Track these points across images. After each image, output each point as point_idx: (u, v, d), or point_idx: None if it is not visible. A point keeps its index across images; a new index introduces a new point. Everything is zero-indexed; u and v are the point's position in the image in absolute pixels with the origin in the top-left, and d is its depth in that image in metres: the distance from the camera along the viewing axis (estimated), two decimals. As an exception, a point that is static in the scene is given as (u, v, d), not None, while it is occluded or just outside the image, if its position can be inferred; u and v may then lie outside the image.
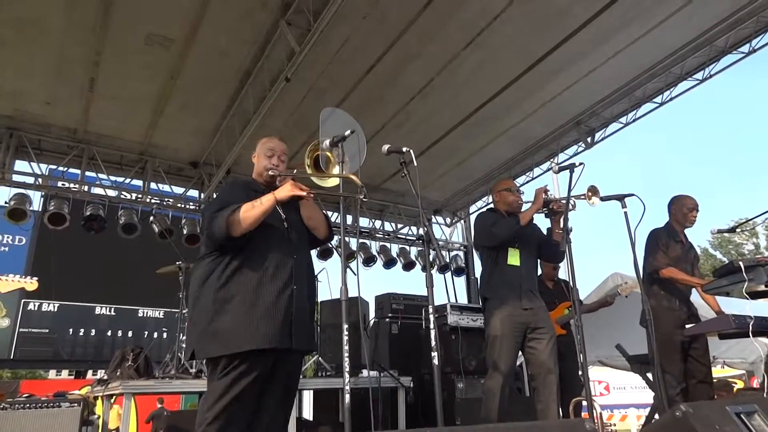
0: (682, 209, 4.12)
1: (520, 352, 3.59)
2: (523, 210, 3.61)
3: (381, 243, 8.70)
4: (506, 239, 3.55)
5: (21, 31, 4.70)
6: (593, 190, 3.36)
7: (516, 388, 5.28)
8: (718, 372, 7.74)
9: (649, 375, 4.14)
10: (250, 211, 2.27)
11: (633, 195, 3.16)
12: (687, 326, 3.74)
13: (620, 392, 10.63)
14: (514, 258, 3.60)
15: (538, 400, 3.39)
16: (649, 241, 4.10)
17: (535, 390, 3.44)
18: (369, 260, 8.40)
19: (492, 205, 4.03)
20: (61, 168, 6.53)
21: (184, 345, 4.92)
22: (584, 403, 3.38)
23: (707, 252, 24.77)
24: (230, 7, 4.61)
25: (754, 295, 3.19)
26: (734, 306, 3.87)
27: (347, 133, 2.37)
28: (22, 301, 8.50)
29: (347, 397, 2.21)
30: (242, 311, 2.24)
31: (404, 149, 2.53)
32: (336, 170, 2.47)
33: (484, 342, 3.60)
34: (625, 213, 3.16)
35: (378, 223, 8.80)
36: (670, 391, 3.75)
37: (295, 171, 2.51)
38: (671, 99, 6.25)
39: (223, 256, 2.35)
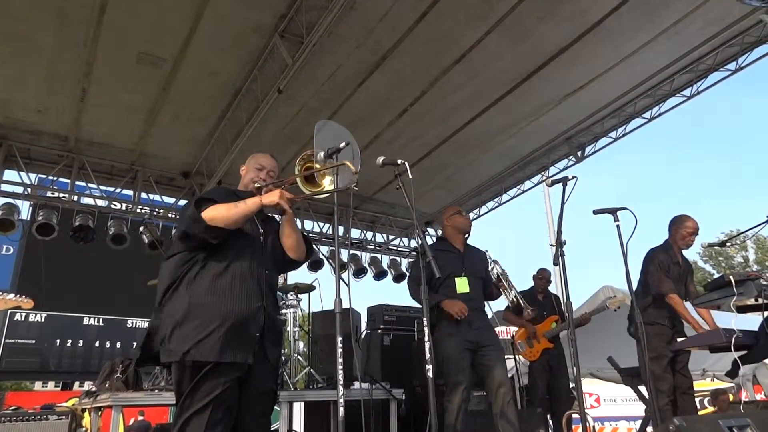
0: (682, 231, 4.16)
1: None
2: (449, 303, 3.59)
3: (372, 254, 8.70)
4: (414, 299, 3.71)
5: (12, 45, 4.70)
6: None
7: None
8: (707, 385, 7.79)
9: (641, 388, 4.16)
10: (233, 209, 2.21)
11: (625, 209, 3.19)
12: (679, 340, 3.78)
13: (611, 405, 10.62)
14: (463, 287, 3.67)
15: (496, 413, 3.42)
16: (649, 262, 4.15)
17: (492, 403, 3.48)
18: (360, 272, 8.39)
19: (441, 233, 4.18)
20: (50, 177, 6.48)
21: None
22: (575, 416, 3.39)
23: (696, 265, 25.00)
24: (222, 30, 4.68)
25: (743, 309, 3.23)
26: (721, 320, 3.91)
27: (342, 145, 2.36)
28: (9, 311, 8.36)
29: (341, 410, 2.19)
30: (207, 321, 2.14)
31: (399, 161, 2.54)
32: (327, 179, 2.43)
33: (440, 364, 3.61)
34: (618, 226, 3.18)
35: (369, 235, 8.80)
36: (659, 403, 3.78)
37: (282, 185, 2.47)
38: (660, 115, 6.35)
39: (193, 259, 2.26)
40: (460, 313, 3.48)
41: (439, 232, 9.33)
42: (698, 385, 4.33)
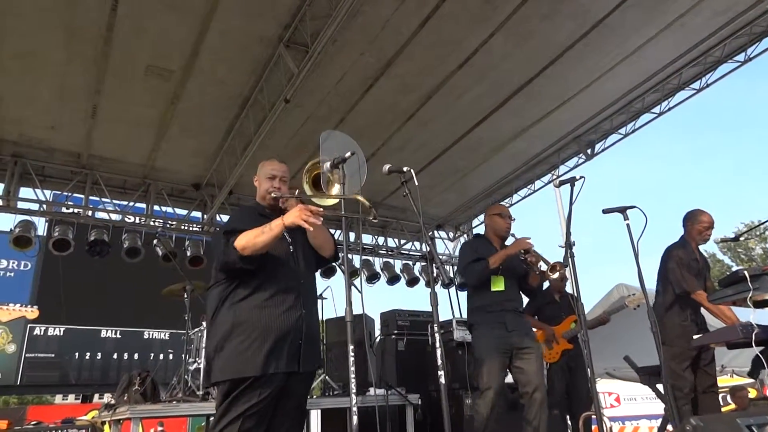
0: (698, 226, 4.10)
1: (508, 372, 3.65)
2: (497, 253, 3.65)
3: (384, 259, 8.70)
4: (475, 284, 3.66)
5: (24, 62, 4.79)
6: (560, 267, 3.57)
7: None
8: (727, 381, 7.65)
9: (659, 386, 4.11)
10: (260, 237, 2.28)
11: (635, 207, 3.16)
12: (695, 337, 3.73)
13: (631, 404, 10.45)
14: (498, 284, 3.65)
15: (528, 419, 3.40)
16: (668, 259, 4.10)
17: (525, 407, 3.45)
18: (372, 277, 8.39)
19: (482, 229, 4.12)
20: (65, 193, 6.58)
21: (190, 367, 4.92)
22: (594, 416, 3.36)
23: (715, 257, 24.61)
24: (228, 40, 4.73)
25: (760, 304, 3.18)
26: (740, 315, 3.85)
27: (347, 154, 2.38)
28: (28, 326, 8.51)
29: (354, 418, 2.20)
30: (251, 337, 2.26)
31: (405, 169, 2.55)
32: (336, 189, 2.46)
33: (473, 364, 3.64)
34: (628, 225, 3.16)
35: (381, 240, 8.81)
36: (679, 402, 3.74)
37: (297, 192, 2.53)
38: (669, 109, 6.29)
39: (232, 283, 2.39)
40: (526, 245, 3.54)
41: (450, 234, 9.34)
42: (718, 382, 4.26)
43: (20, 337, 8.47)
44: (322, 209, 2.35)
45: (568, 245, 2.96)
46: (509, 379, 3.71)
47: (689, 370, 3.88)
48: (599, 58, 5.40)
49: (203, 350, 4.64)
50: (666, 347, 3.78)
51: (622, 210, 3.19)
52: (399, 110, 5.92)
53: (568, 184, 3.18)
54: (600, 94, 6.06)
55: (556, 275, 3.65)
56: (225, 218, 6.76)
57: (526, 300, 3.96)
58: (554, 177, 7.56)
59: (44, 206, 6.49)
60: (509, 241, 3.83)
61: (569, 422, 5.09)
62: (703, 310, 4.10)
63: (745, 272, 3.16)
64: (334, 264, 7.73)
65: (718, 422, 2.11)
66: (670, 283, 4.05)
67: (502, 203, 8.25)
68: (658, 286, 4.18)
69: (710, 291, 4.09)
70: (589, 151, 7.09)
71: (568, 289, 5.37)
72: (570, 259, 2.96)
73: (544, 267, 3.64)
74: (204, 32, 4.61)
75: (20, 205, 6.36)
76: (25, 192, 6.40)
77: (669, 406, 3.17)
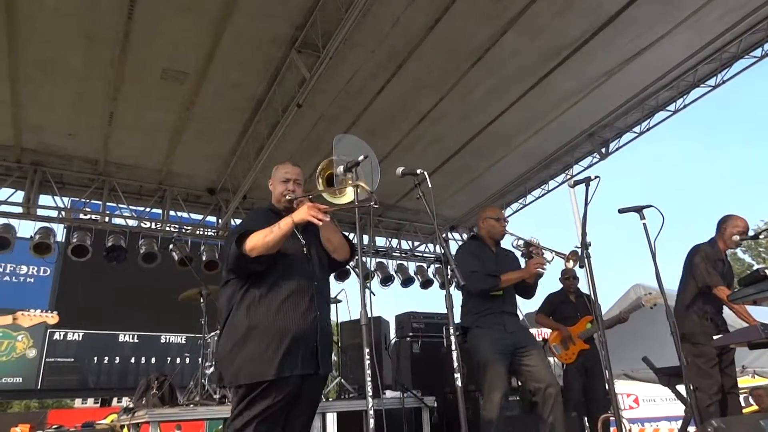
0: (732, 230, 4.04)
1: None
2: (510, 274, 3.62)
3: (398, 262, 8.69)
4: (479, 293, 3.58)
5: (44, 69, 4.87)
6: (574, 256, 3.50)
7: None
8: (748, 381, 7.52)
9: (679, 387, 4.05)
10: (269, 236, 2.27)
11: (651, 206, 3.13)
12: (715, 337, 3.68)
13: (650, 405, 10.30)
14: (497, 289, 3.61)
15: (544, 416, 3.33)
16: (694, 257, 4.06)
17: (538, 405, 3.38)
18: (386, 279, 8.39)
19: (476, 231, 4.07)
20: (83, 200, 6.69)
21: (207, 371, 4.96)
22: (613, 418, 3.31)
23: (735, 255, 24.16)
24: (241, 43, 4.76)
25: (781, 304, 3.12)
26: (760, 315, 3.79)
27: (360, 158, 2.38)
28: (48, 330, 8.63)
29: (371, 421, 2.20)
30: (265, 340, 2.26)
31: (418, 171, 2.54)
32: (349, 189, 2.46)
33: (475, 369, 3.56)
34: (644, 224, 3.12)
35: (394, 242, 8.80)
36: (706, 402, 3.70)
37: (311, 193, 2.53)
38: (684, 107, 6.22)
39: (245, 283, 2.37)
40: (541, 264, 3.49)
41: (464, 236, 9.30)
42: (739, 382, 4.19)
43: (40, 341, 8.59)
44: (329, 207, 2.35)
45: (584, 246, 2.93)
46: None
47: (716, 368, 3.82)
48: (612, 55, 5.35)
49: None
50: (687, 344, 3.73)
51: (639, 209, 3.16)
52: (411, 110, 5.91)
53: (583, 184, 3.15)
54: (613, 92, 6.00)
55: (570, 263, 3.61)
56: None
57: (521, 300, 3.92)
58: (568, 177, 7.50)
59: (63, 213, 6.61)
60: (507, 239, 3.83)
61: (587, 424, 5.04)
62: (725, 313, 4.04)
63: (766, 271, 3.11)
64: (347, 267, 7.77)
65: (740, 424, 2.08)
66: (693, 278, 4.01)
67: (517, 202, 8.24)
68: (681, 283, 4.14)
69: None
70: (603, 150, 7.03)
71: (584, 289, 5.32)
72: (586, 260, 2.93)
73: (549, 256, 3.59)
74: (219, 34, 4.64)
75: (40, 212, 6.49)
76: (44, 199, 6.54)
77: (690, 407, 3.12)
